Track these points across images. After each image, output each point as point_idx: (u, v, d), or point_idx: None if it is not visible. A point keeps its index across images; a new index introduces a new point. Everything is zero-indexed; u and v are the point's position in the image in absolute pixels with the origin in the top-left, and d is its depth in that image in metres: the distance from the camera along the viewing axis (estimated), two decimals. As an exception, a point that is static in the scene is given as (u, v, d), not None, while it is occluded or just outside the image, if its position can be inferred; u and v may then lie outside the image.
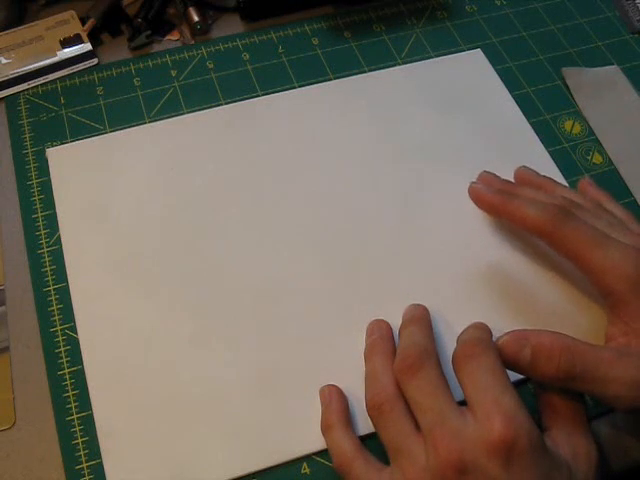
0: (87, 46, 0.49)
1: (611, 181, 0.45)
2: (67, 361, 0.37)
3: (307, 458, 0.35)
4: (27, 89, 0.47)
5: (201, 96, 0.48)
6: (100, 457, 0.34)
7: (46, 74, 0.48)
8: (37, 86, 0.48)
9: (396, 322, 0.37)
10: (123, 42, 0.50)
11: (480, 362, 0.30)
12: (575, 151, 0.47)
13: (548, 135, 0.47)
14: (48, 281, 0.39)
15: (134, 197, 0.42)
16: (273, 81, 0.49)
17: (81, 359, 0.37)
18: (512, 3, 0.55)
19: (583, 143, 0.47)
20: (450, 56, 0.50)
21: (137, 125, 0.46)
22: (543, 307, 0.39)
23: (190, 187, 0.43)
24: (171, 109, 0.47)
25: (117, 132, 0.45)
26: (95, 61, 0.49)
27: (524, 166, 0.43)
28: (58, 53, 0.49)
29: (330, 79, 0.49)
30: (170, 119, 0.46)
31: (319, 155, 0.45)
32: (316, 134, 0.45)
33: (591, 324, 0.38)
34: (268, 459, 0.35)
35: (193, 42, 0.51)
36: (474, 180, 0.42)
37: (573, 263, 0.36)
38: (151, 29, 0.50)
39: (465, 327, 0.33)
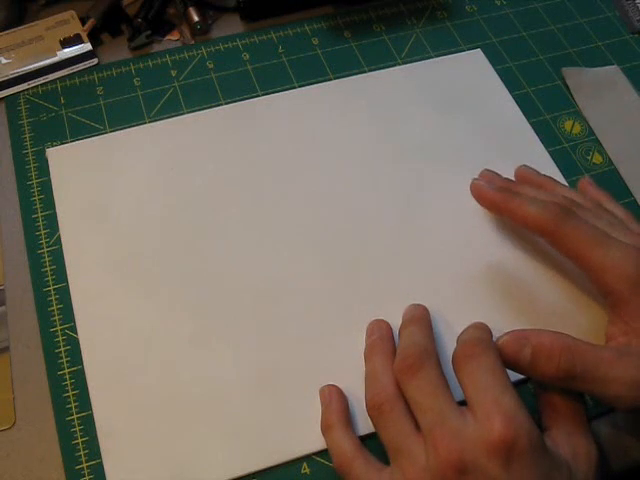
0: (87, 46, 0.49)
1: (611, 181, 0.45)
2: (67, 361, 0.37)
3: (307, 458, 0.35)
4: (27, 89, 0.47)
5: (201, 96, 0.48)
6: (100, 457, 0.34)
7: (46, 74, 0.48)
8: (37, 86, 0.48)
9: (396, 322, 0.37)
10: (123, 42, 0.50)
11: (480, 362, 0.30)
12: (575, 151, 0.47)
13: (548, 135, 0.47)
14: (48, 281, 0.39)
15: (134, 197, 0.42)
16: (273, 81, 0.49)
17: (81, 359, 0.37)
18: (512, 3, 0.55)
19: (583, 143, 0.47)
20: (450, 56, 0.50)
21: (137, 125, 0.46)
22: (543, 307, 0.39)
23: (190, 187, 0.43)
24: (171, 109, 0.47)
25: (117, 132, 0.45)
26: (95, 61, 0.49)
27: (524, 165, 0.43)
28: (58, 53, 0.49)
29: (330, 79, 0.49)
30: (170, 119, 0.46)
31: (319, 155, 0.45)
32: (316, 134, 0.45)
33: (591, 324, 0.38)
34: (268, 459, 0.35)
35: (193, 42, 0.51)
36: (474, 179, 0.42)
37: (573, 262, 0.36)
38: (151, 29, 0.50)
39: (465, 327, 0.33)
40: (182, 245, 0.41)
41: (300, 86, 0.48)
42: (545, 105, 0.49)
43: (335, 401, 0.35)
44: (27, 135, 0.45)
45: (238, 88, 0.48)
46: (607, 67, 0.51)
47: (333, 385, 0.36)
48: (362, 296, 0.39)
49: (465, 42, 0.52)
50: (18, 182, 0.43)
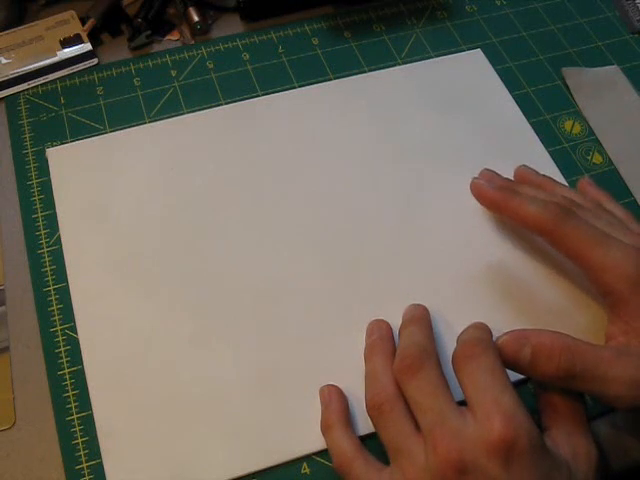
0: (87, 46, 0.49)
1: (611, 181, 0.45)
2: (67, 361, 0.37)
3: (307, 458, 0.35)
4: (27, 89, 0.47)
5: (201, 96, 0.48)
6: (100, 457, 0.34)
7: (46, 74, 0.48)
8: (37, 86, 0.48)
9: (396, 322, 0.37)
10: (123, 42, 0.50)
11: (480, 362, 0.30)
12: (575, 151, 0.47)
13: (548, 135, 0.47)
14: (48, 281, 0.39)
15: (134, 197, 0.42)
16: (273, 81, 0.49)
17: (81, 359, 0.37)
18: (512, 3, 0.55)
19: (583, 143, 0.47)
20: (450, 56, 0.50)
21: (137, 125, 0.46)
22: (543, 307, 0.39)
23: (190, 187, 0.43)
24: (171, 109, 0.47)
25: (117, 132, 0.45)
26: (95, 61, 0.49)
27: (524, 165, 0.43)
28: (58, 53, 0.49)
29: (330, 79, 0.49)
30: (170, 119, 0.46)
31: (319, 155, 0.45)
32: (316, 134, 0.45)
33: (591, 323, 0.38)
34: (268, 459, 0.35)
35: (193, 42, 0.51)
36: (474, 178, 0.42)
37: (573, 262, 0.36)
38: (151, 29, 0.50)
39: (465, 327, 0.33)
40: (182, 245, 0.41)
41: (300, 86, 0.48)
42: (545, 105, 0.49)
43: (335, 401, 0.35)
44: (27, 135, 0.45)
45: (238, 88, 0.48)
46: (607, 67, 0.51)
47: (333, 385, 0.36)
48: (362, 296, 0.39)
49: (465, 42, 0.52)
50: (18, 182, 0.43)
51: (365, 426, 0.35)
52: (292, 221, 0.42)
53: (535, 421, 0.29)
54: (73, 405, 0.36)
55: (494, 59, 0.50)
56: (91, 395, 0.36)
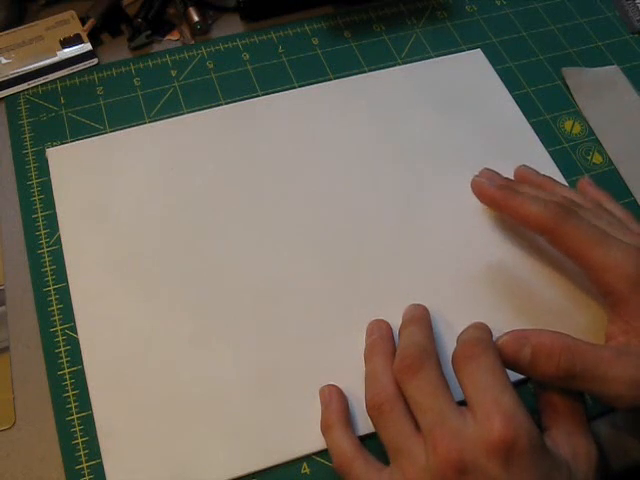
0: (87, 46, 0.49)
1: (611, 181, 0.45)
2: (67, 361, 0.37)
3: (307, 458, 0.35)
4: (27, 89, 0.47)
5: (201, 96, 0.48)
6: (100, 457, 0.34)
7: (46, 74, 0.48)
8: (37, 86, 0.48)
9: (396, 322, 0.37)
10: (123, 42, 0.50)
11: (480, 362, 0.30)
12: (575, 151, 0.47)
13: (548, 135, 0.47)
14: (48, 281, 0.39)
15: (134, 197, 0.42)
16: (273, 81, 0.49)
17: (81, 359, 0.37)
18: (512, 3, 0.55)
19: (583, 143, 0.47)
20: (450, 56, 0.50)
21: (137, 125, 0.46)
22: (543, 307, 0.39)
23: (190, 187, 0.43)
24: (171, 109, 0.47)
25: (117, 132, 0.45)
26: (95, 61, 0.49)
27: (524, 165, 0.43)
28: (58, 53, 0.49)
29: (330, 79, 0.49)
30: (170, 119, 0.46)
31: (319, 155, 0.45)
32: (316, 134, 0.45)
33: (591, 323, 0.38)
34: (268, 459, 0.35)
35: (193, 42, 0.51)
36: (475, 176, 0.42)
37: (574, 261, 0.36)
38: (151, 29, 0.50)
39: (465, 327, 0.33)
40: (182, 245, 0.41)
41: (300, 86, 0.48)
42: (545, 105, 0.49)
43: (335, 401, 0.35)
44: (27, 135, 0.45)
45: (238, 88, 0.48)
46: (607, 67, 0.51)
47: (333, 385, 0.36)
48: (362, 296, 0.39)
49: (465, 42, 0.52)
50: (18, 182, 0.43)
51: (365, 426, 0.35)
52: (292, 221, 0.42)
53: (535, 421, 0.29)
54: (73, 405, 0.36)
55: (494, 59, 0.50)
56: (91, 395, 0.36)
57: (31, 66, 0.48)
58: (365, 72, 0.49)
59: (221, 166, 0.44)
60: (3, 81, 0.47)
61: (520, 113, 0.47)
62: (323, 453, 0.35)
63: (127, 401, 0.36)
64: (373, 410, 0.32)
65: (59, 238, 0.41)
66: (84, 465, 0.34)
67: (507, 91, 0.49)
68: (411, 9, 0.54)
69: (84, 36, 0.50)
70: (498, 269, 0.40)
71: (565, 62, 0.51)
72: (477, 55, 0.51)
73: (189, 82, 0.48)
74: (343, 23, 0.52)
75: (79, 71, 0.48)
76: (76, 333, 0.38)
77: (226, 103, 0.47)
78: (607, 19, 0.54)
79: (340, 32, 0.52)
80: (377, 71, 0.49)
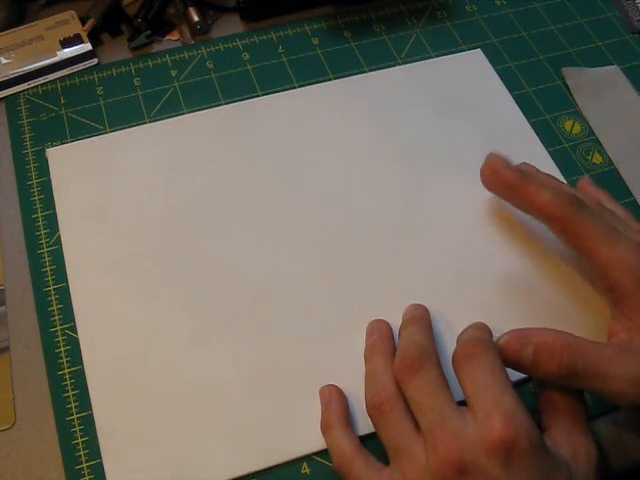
0: (87, 46, 0.49)
1: (611, 181, 0.45)
2: (67, 361, 0.37)
3: (307, 458, 0.35)
4: (27, 89, 0.47)
5: (201, 96, 0.48)
6: (100, 457, 0.34)
7: (46, 74, 0.48)
8: (37, 86, 0.48)
9: (396, 322, 0.37)
10: (123, 42, 0.50)
11: (480, 362, 0.30)
12: (575, 151, 0.47)
13: (548, 135, 0.47)
14: (48, 281, 0.39)
15: (134, 197, 0.42)
16: (273, 81, 0.49)
17: (81, 359, 0.37)
18: (512, 3, 0.55)
19: (583, 143, 0.47)
20: (450, 56, 0.50)
21: (137, 125, 0.46)
22: (544, 307, 0.39)
23: (190, 187, 0.43)
24: (171, 109, 0.47)
25: (117, 132, 0.45)
26: (95, 61, 0.49)
27: (525, 162, 0.42)
28: (58, 53, 0.49)
29: (330, 79, 0.49)
30: (170, 119, 0.46)
31: (319, 155, 0.45)
32: (316, 134, 0.45)
33: (592, 324, 0.38)
34: (268, 459, 0.35)
35: (193, 42, 0.51)
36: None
37: (580, 254, 0.36)
38: (151, 29, 0.50)
39: (465, 327, 0.33)
40: (182, 245, 0.41)
41: (300, 86, 0.48)
42: (545, 105, 0.49)
43: (335, 401, 0.35)
44: (27, 135, 0.45)
45: (238, 88, 0.48)
46: (607, 67, 0.51)
47: (333, 385, 0.36)
48: (362, 296, 0.39)
49: (465, 42, 0.52)
50: (18, 182, 0.43)
51: (365, 426, 0.35)
52: (292, 221, 0.42)
53: (535, 421, 0.29)
54: (73, 405, 0.36)
55: (494, 59, 0.50)
56: (91, 395, 0.36)
57: (31, 66, 0.48)
58: (365, 72, 0.49)
59: (221, 166, 0.44)
60: (3, 81, 0.47)
61: (520, 113, 0.47)
62: (323, 453, 0.35)
63: (127, 401, 0.36)
64: (373, 410, 0.32)
65: (59, 238, 0.41)
66: (84, 465, 0.34)
67: (507, 91, 0.49)
68: (411, 9, 0.54)
69: (84, 36, 0.50)
70: (498, 269, 0.40)
71: (565, 62, 0.51)
72: (477, 55, 0.51)
73: (189, 82, 0.48)
74: (343, 23, 0.52)
75: (79, 71, 0.48)
76: (76, 333, 0.38)
77: (226, 103, 0.47)
78: (607, 19, 0.54)
79: (340, 32, 0.52)
80: (377, 71, 0.49)
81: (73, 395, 0.36)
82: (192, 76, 0.49)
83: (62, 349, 0.37)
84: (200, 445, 0.35)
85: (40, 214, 0.42)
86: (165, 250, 0.40)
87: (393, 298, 0.39)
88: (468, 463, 0.28)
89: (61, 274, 0.40)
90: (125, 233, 0.41)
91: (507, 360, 0.31)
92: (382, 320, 0.37)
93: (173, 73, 0.49)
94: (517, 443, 0.28)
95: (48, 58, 0.48)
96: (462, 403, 0.30)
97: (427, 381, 0.31)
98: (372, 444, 0.34)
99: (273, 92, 0.48)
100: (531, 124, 0.47)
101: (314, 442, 0.35)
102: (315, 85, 0.48)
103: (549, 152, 0.46)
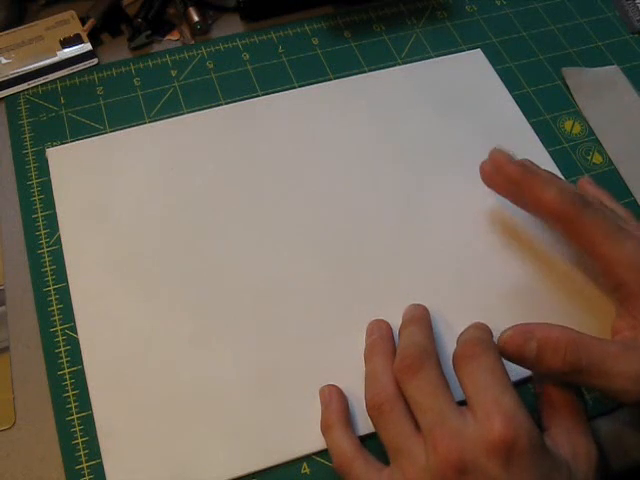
0: (87, 46, 0.49)
1: (611, 181, 0.45)
2: (67, 361, 0.37)
3: (307, 458, 0.35)
4: (27, 89, 0.47)
5: (201, 96, 0.48)
6: (100, 457, 0.34)
7: (46, 74, 0.48)
8: (37, 86, 0.48)
9: (396, 322, 0.37)
10: (123, 42, 0.50)
11: (480, 362, 0.30)
12: (575, 151, 0.47)
13: (548, 135, 0.47)
14: (48, 281, 0.39)
15: (134, 197, 0.42)
16: (273, 81, 0.49)
17: (81, 359, 0.37)
18: (512, 3, 0.55)
19: (583, 143, 0.47)
20: (450, 56, 0.50)
21: (137, 125, 0.46)
22: (544, 307, 0.39)
23: (190, 187, 0.43)
24: (171, 109, 0.47)
25: (117, 132, 0.45)
26: (95, 61, 0.49)
27: (526, 159, 0.42)
28: (58, 53, 0.49)
29: (330, 79, 0.49)
30: (170, 119, 0.46)
31: (319, 155, 0.45)
32: (316, 134, 0.45)
33: (591, 324, 0.38)
34: (268, 459, 0.35)
35: (193, 42, 0.51)
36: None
37: (586, 252, 0.36)
38: (151, 29, 0.50)
39: (465, 327, 0.33)
40: (182, 245, 0.41)
41: (300, 86, 0.48)
42: (545, 105, 0.49)
43: (335, 401, 0.35)
44: (27, 135, 0.45)
45: (238, 88, 0.48)
46: (607, 67, 0.51)
47: (333, 385, 0.36)
48: (362, 296, 0.39)
49: (465, 42, 0.52)
50: (18, 182, 0.43)
51: (365, 426, 0.35)
52: (292, 221, 0.42)
53: (535, 421, 0.29)
54: (73, 405, 0.36)
55: (494, 59, 0.50)
56: (91, 395, 0.36)
57: (31, 66, 0.48)
58: (365, 72, 0.49)
59: (221, 166, 0.44)
60: (3, 81, 0.47)
61: (520, 113, 0.47)
62: (323, 453, 0.35)
63: (127, 401, 0.36)
64: (373, 410, 0.32)
65: (59, 238, 0.41)
66: (84, 465, 0.34)
67: (507, 91, 0.49)
68: (411, 9, 0.54)
69: (84, 36, 0.50)
70: (498, 269, 0.40)
71: (565, 62, 0.51)
72: (477, 55, 0.51)
73: (189, 82, 0.48)
74: (343, 23, 0.52)
75: (79, 71, 0.48)
76: (76, 333, 0.38)
77: (226, 103, 0.47)
78: (607, 19, 0.54)
79: (340, 32, 0.52)
80: (377, 71, 0.49)
81: (73, 395, 0.36)
82: (192, 76, 0.49)
83: (62, 349, 0.37)
84: (200, 445, 0.35)
85: (40, 214, 0.42)
86: (165, 250, 0.40)
87: (393, 298, 0.39)
88: (468, 463, 0.28)
89: (61, 274, 0.40)
90: (125, 233, 0.41)
91: (510, 355, 0.31)
92: (382, 320, 0.37)
93: (173, 73, 0.49)
94: (517, 443, 0.28)
95: (48, 58, 0.48)
96: (462, 403, 0.30)
97: (427, 381, 0.31)
98: (372, 444, 0.34)
99: (273, 92, 0.48)
100: (531, 124, 0.47)
101: (314, 442, 0.35)
102: (315, 85, 0.48)
103: (549, 152, 0.46)
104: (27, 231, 0.41)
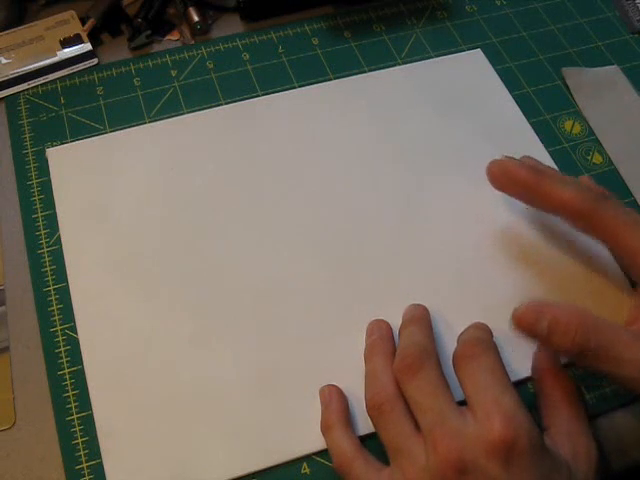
0: (87, 46, 0.49)
1: (611, 181, 0.45)
2: (67, 361, 0.37)
3: (307, 458, 0.35)
4: (27, 89, 0.47)
5: (201, 96, 0.48)
6: (100, 457, 0.34)
7: (46, 74, 0.48)
8: (37, 86, 0.48)
9: (396, 322, 0.37)
10: (123, 42, 0.50)
11: (480, 362, 0.30)
12: (575, 151, 0.47)
13: (548, 135, 0.47)
14: (48, 281, 0.39)
15: (134, 197, 0.42)
16: (273, 81, 0.49)
17: (81, 359, 0.37)
18: (512, 3, 0.55)
19: (583, 143, 0.47)
20: (450, 56, 0.50)
21: (137, 125, 0.46)
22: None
23: (190, 187, 0.43)
24: (171, 109, 0.47)
25: (117, 132, 0.45)
26: (95, 61, 0.49)
27: (528, 156, 0.42)
28: (58, 53, 0.49)
29: (330, 79, 0.49)
30: (170, 119, 0.46)
31: (319, 155, 0.45)
32: (316, 134, 0.45)
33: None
34: (268, 459, 0.35)
35: (193, 42, 0.51)
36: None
37: (608, 245, 0.36)
38: (151, 29, 0.50)
39: (465, 327, 0.33)
40: (182, 245, 0.41)
41: (300, 86, 0.48)
42: (545, 105, 0.49)
43: (335, 401, 0.35)
44: (27, 135, 0.45)
45: (238, 88, 0.48)
46: (607, 67, 0.51)
47: (333, 385, 0.36)
48: (362, 296, 0.39)
49: (465, 42, 0.52)
50: (18, 182, 0.43)
51: (365, 426, 0.35)
52: (292, 221, 0.42)
53: (535, 421, 0.29)
54: (73, 405, 0.36)
55: (494, 59, 0.50)
56: (91, 395, 0.36)
57: (31, 66, 0.48)
58: (365, 72, 0.49)
59: (221, 166, 0.44)
60: (3, 81, 0.47)
61: (520, 113, 0.47)
62: (323, 453, 0.35)
63: (127, 401, 0.36)
64: (373, 410, 0.32)
65: (59, 238, 0.41)
66: (84, 465, 0.34)
67: (507, 91, 0.49)
68: (411, 9, 0.54)
69: (84, 36, 0.50)
70: (498, 269, 0.40)
71: (565, 62, 0.51)
72: (477, 55, 0.51)
73: (189, 82, 0.48)
74: (343, 23, 0.52)
75: (79, 71, 0.48)
76: (76, 333, 0.38)
77: (226, 103, 0.47)
78: (607, 19, 0.54)
79: (340, 32, 0.52)
80: (377, 71, 0.49)
81: (73, 395, 0.36)
82: (192, 76, 0.49)
83: (62, 349, 0.37)
84: (200, 445, 0.35)
85: (40, 214, 0.42)
86: (165, 250, 0.40)
87: (393, 298, 0.39)
88: (468, 463, 0.28)
89: (61, 274, 0.40)
90: (125, 233, 0.41)
91: (522, 329, 0.31)
92: (382, 320, 0.37)
93: (173, 73, 0.49)
94: (517, 443, 0.28)
95: (48, 58, 0.48)
96: (462, 403, 0.30)
97: (427, 381, 0.31)
98: (372, 444, 0.34)
99: (273, 92, 0.48)
100: (531, 124, 0.47)
101: (314, 442, 0.35)
102: (315, 85, 0.48)
103: (549, 152, 0.46)
104: (27, 231, 0.41)
